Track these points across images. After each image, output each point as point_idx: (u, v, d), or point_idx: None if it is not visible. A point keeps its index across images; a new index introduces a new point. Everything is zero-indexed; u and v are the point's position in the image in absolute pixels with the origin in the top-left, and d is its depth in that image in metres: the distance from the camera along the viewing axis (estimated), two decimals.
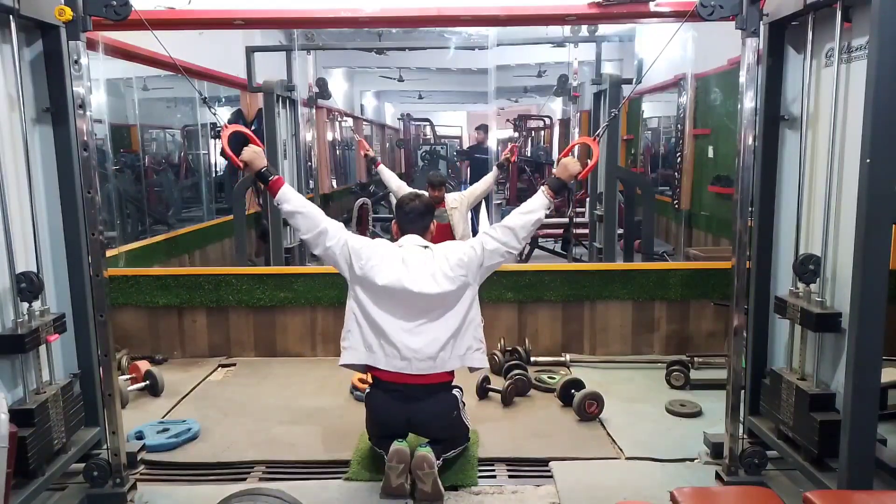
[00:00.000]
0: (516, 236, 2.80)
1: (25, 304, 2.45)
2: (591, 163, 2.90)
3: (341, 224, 2.86)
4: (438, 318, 2.76)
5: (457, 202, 5.57)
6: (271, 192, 2.79)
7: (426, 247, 2.86)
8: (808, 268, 2.48)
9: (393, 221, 3.07)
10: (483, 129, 10.86)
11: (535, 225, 2.81)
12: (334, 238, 2.78)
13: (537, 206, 2.81)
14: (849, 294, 2.23)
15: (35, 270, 2.50)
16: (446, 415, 2.83)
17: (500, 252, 2.80)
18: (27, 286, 2.43)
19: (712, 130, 6.94)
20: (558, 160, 2.91)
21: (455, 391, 2.91)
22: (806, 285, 2.51)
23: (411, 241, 2.89)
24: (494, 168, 5.71)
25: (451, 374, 2.87)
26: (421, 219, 2.95)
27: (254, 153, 2.78)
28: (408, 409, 2.78)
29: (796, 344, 2.62)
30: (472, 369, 2.88)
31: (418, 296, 2.72)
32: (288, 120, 6.01)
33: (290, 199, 2.77)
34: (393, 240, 2.96)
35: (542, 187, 2.85)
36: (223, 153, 2.69)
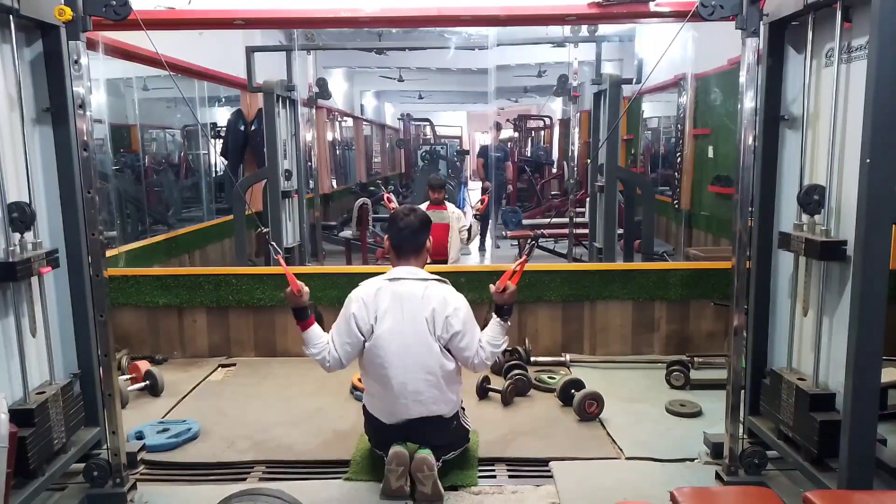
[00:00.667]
0: (484, 367, 2.85)
1: (17, 235, 2.41)
2: (516, 274, 2.85)
3: (329, 335, 2.81)
4: (431, 372, 2.72)
5: (455, 216, 5.63)
6: (301, 328, 2.80)
7: (424, 280, 2.77)
8: (812, 198, 2.44)
9: (386, 237, 2.96)
10: (497, 126, 10.90)
11: (499, 353, 2.87)
12: (344, 359, 2.79)
13: (500, 336, 2.82)
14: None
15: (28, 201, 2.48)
16: (446, 427, 2.83)
17: (465, 362, 2.80)
18: (19, 216, 2.39)
19: (712, 130, 6.94)
20: (495, 292, 2.81)
21: (458, 420, 2.90)
22: (810, 216, 2.48)
23: (406, 272, 2.79)
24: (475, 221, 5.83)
25: None
26: (415, 237, 2.82)
27: (304, 291, 2.77)
28: (407, 424, 2.77)
29: (801, 277, 2.57)
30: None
31: (408, 338, 2.70)
32: (288, 120, 6.01)
33: (314, 343, 2.79)
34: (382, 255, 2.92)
35: (497, 319, 2.81)
36: (291, 282, 2.79)
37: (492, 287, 2.81)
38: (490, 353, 2.81)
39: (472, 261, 8.40)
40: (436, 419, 2.78)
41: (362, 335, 2.74)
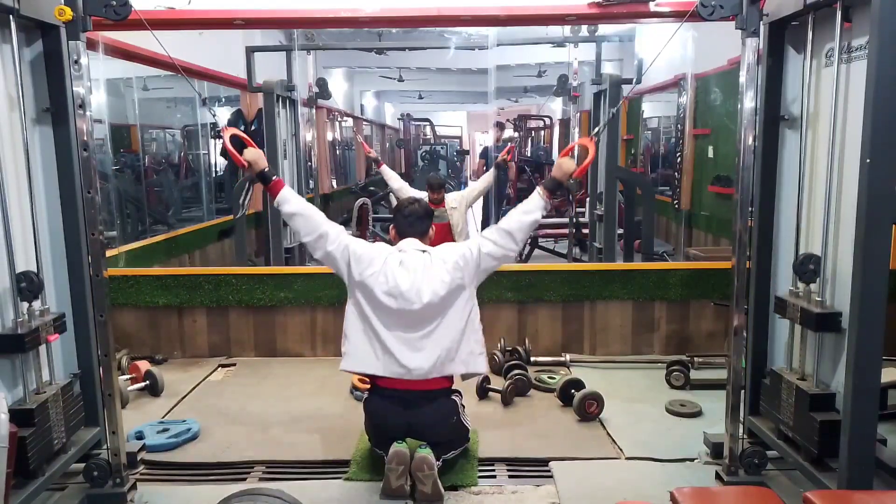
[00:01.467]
0: (513, 238, 2.80)
1: (25, 304, 2.45)
2: (585, 161, 2.91)
3: (341, 227, 2.86)
4: (438, 327, 2.74)
5: (456, 202, 5.59)
6: (271, 193, 2.80)
7: (424, 251, 2.84)
8: (808, 267, 2.48)
9: (391, 226, 3.04)
10: (500, 126, 10.87)
11: (532, 226, 2.83)
12: (335, 242, 2.78)
13: (534, 207, 2.81)
14: (849, 293, 2.23)
15: (35, 270, 2.50)
16: (446, 420, 2.83)
17: (497, 255, 2.80)
18: (27, 286, 2.43)
19: (712, 130, 6.95)
20: (559, 157, 2.91)
21: (454, 396, 2.89)
22: (806, 285, 2.51)
23: (410, 245, 2.86)
24: (493, 168, 5.76)
25: (451, 379, 2.87)
26: (420, 223, 2.93)
27: (257, 153, 2.80)
28: (407, 414, 2.77)
29: (796, 344, 2.61)
30: (474, 374, 2.90)
31: (418, 304, 2.70)
32: (288, 120, 6.02)
33: (291, 200, 2.79)
34: (391, 244, 2.95)
35: (538, 188, 2.85)
36: (225, 152, 2.73)
37: (558, 156, 2.86)
38: (518, 223, 2.79)
39: None
40: (435, 399, 2.77)
41: (360, 273, 2.74)
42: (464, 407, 2.96)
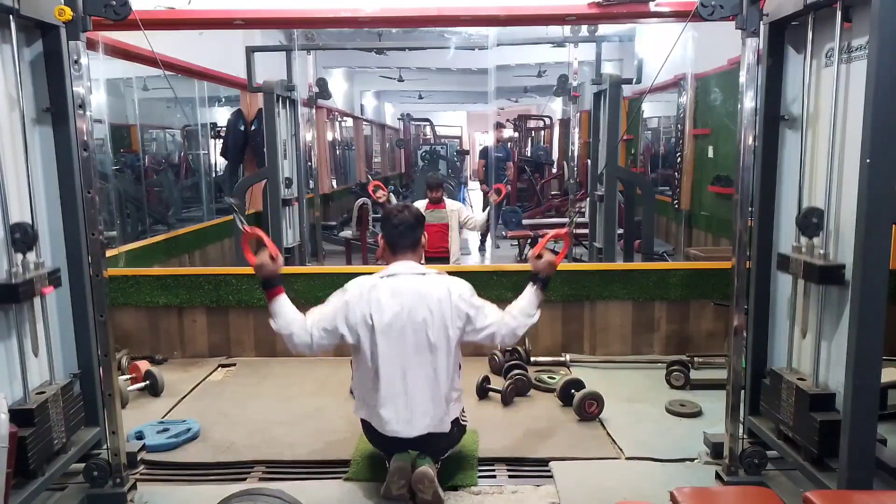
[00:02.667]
0: (514, 335, 2.76)
1: (20, 256, 2.41)
2: (562, 252, 2.95)
3: (317, 316, 2.69)
4: (430, 374, 2.63)
5: (455, 208, 5.62)
6: (268, 298, 2.68)
7: (422, 273, 2.72)
8: (811, 221, 2.44)
9: (379, 236, 2.88)
10: (499, 126, 10.87)
11: (531, 326, 2.80)
12: (320, 340, 2.66)
13: (532, 306, 2.77)
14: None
15: (30, 222, 2.47)
16: (448, 438, 2.78)
17: (501, 336, 2.73)
18: (21, 237, 2.39)
19: (712, 130, 6.95)
20: (531, 257, 2.86)
21: (454, 426, 2.80)
22: (809, 239, 2.47)
23: (404, 268, 2.72)
24: (490, 208, 5.83)
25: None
26: (411, 232, 2.75)
27: (267, 260, 2.65)
28: (407, 443, 2.69)
29: (799, 301, 2.58)
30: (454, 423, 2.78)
31: (406, 334, 2.61)
32: (288, 120, 6.02)
33: (282, 315, 2.66)
34: (377, 260, 2.84)
35: (533, 287, 2.79)
36: (243, 252, 2.74)
37: (529, 253, 2.79)
38: (522, 322, 2.74)
39: (473, 261, 8.41)
40: (435, 435, 2.70)
41: (348, 327, 2.63)
42: (463, 409, 2.88)
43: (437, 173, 10.45)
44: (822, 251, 2.42)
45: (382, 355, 2.62)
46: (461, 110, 21.86)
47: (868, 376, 2.19)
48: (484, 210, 6.09)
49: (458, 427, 2.85)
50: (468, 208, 5.83)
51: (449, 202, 5.67)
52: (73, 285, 2.71)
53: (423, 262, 2.88)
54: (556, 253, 2.92)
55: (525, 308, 2.77)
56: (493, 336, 2.72)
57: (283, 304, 2.68)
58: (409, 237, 2.75)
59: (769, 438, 2.70)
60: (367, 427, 2.79)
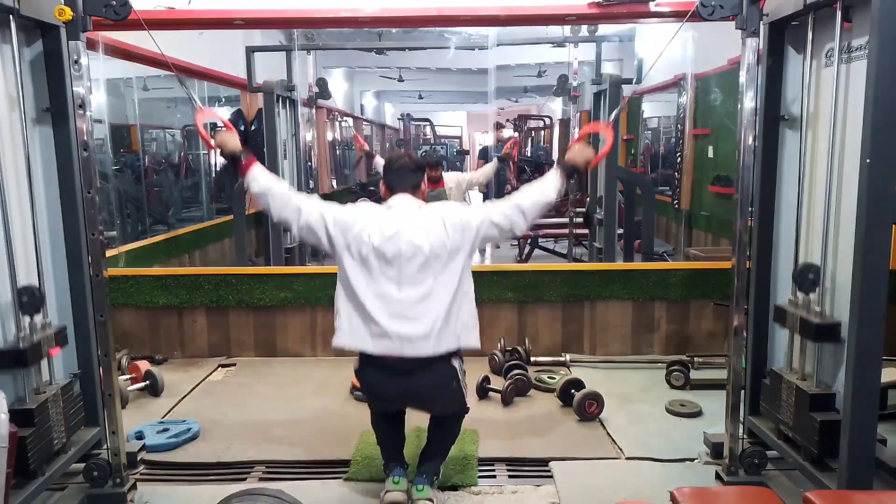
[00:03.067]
0: (525, 217, 2.61)
1: (27, 318, 2.45)
2: (604, 149, 2.82)
3: (316, 196, 2.67)
4: (431, 292, 2.52)
5: (453, 182, 5.58)
6: (241, 173, 2.60)
7: (419, 207, 2.65)
8: (807, 277, 2.48)
9: (381, 181, 2.82)
10: (499, 126, 10.85)
11: (545, 208, 2.64)
12: (309, 212, 2.57)
13: (549, 187, 2.63)
14: (848, 303, 2.22)
15: (36, 273, 2.51)
16: (445, 386, 2.61)
17: (504, 227, 2.62)
18: (29, 299, 2.43)
19: (712, 130, 6.95)
20: (570, 146, 2.77)
21: (454, 361, 2.64)
22: (805, 294, 2.51)
23: (402, 200, 2.65)
24: (495, 160, 5.73)
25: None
26: (412, 176, 2.71)
27: (225, 136, 2.60)
28: (402, 383, 2.58)
29: (796, 350, 2.61)
30: (467, 349, 2.66)
31: (408, 250, 2.50)
32: (288, 120, 6.02)
33: (258, 179, 2.58)
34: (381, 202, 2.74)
35: (555, 170, 2.67)
36: (197, 133, 2.61)
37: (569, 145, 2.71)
38: (529, 197, 2.61)
39: (472, 261, 8.40)
40: (432, 364, 2.55)
41: (344, 235, 2.54)
42: (465, 372, 2.71)
43: (435, 152, 10.34)
44: (818, 308, 2.46)
45: (378, 276, 2.53)
46: (461, 110, 21.85)
47: (868, 376, 2.19)
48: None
49: (459, 393, 2.67)
50: (467, 172, 5.79)
51: (446, 177, 5.63)
52: (72, 286, 2.71)
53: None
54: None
55: (538, 186, 2.65)
56: (492, 220, 2.60)
57: (264, 171, 2.62)
58: (409, 180, 2.70)
59: (769, 438, 2.70)
60: (361, 364, 2.65)
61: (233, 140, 2.61)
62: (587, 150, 2.70)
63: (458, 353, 2.66)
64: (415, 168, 2.75)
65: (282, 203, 2.58)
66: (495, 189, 8.81)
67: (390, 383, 2.60)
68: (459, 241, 2.57)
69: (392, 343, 2.52)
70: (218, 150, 2.64)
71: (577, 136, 2.82)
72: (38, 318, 2.49)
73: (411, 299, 2.52)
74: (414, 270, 2.52)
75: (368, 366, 2.63)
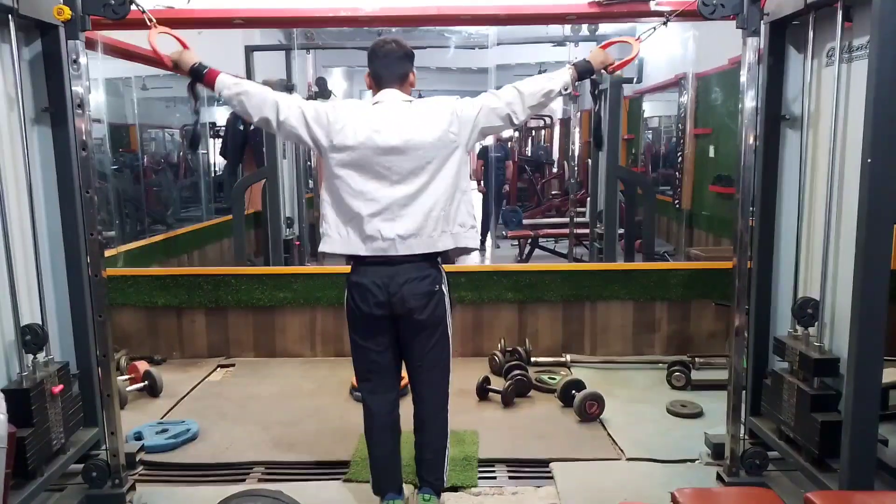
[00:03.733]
0: (523, 102, 2.44)
1: (30, 356, 2.46)
2: (628, 58, 2.64)
3: (296, 95, 2.59)
4: (423, 188, 2.39)
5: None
6: (209, 85, 2.43)
7: (409, 101, 2.48)
8: (806, 311, 2.50)
9: (366, 73, 2.61)
10: None
11: (546, 96, 2.47)
12: (287, 110, 2.41)
13: (556, 76, 2.48)
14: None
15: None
16: (426, 286, 2.43)
17: (501, 114, 2.44)
18: (32, 339, 2.44)
19: (713, 130, 6.94)
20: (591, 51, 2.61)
21: (441, 268, 2.51)
22: (804, 328, 2.53)
23: (390, 95, 2.47)
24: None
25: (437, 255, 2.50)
26: (399, 64, 2.49)
27: (181, 51, 2.46)
28: (388, 286, 2.39)
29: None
30: (465, 250, 2.53)
31: (397, 149, 2.36)
32: None
33: (227, 82, 2.42)
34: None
35: (568, 65, 2.52)
36: (153, 52, 2.47)
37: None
38: (533, 84, 2.46)
39: (472, 261, 8.40)
40: (414, 262, 2.41)
41: (325, 131, 2.40)
42: (452, 302, 2.55)
43: None
44: (817, 343, 2.47)
45: (366, 175, 2.40)
46: None
47: (869, 377, 2.18)
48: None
49: (440, 295, 2.48)
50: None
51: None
52: (71, 286, 2.70)
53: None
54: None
55: (544, 75, 2.50)
56: (502, 105, 2.43)
57: (231, 76, 2.47)
58: (395, 69, 2.50)
59: (770, 439, 2.70)
60: (351, 271, 2.50)
61: (189, 55, 2.46)
62: (607, 54, 2.56)
63: (442, 270, 2.51)
64: (402, 56, 2.51)
65: (259, 100, 2.42)
66: (495, 192, 8.79)
67: (373, 286, 2.42)
68: (454, 134, 2.41)
69: (383, 243, 2.39)
70: (176, 68, 2.47)
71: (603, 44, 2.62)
72: (41, 356, 2.51)
73: (403, 197, 2.38)
74: (406, 167, 2.38)
75: (357, 273, 2.47)
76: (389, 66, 2.50)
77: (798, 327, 2.57)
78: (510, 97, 2.45)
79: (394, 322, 2.47)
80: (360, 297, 2.45)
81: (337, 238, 2.46)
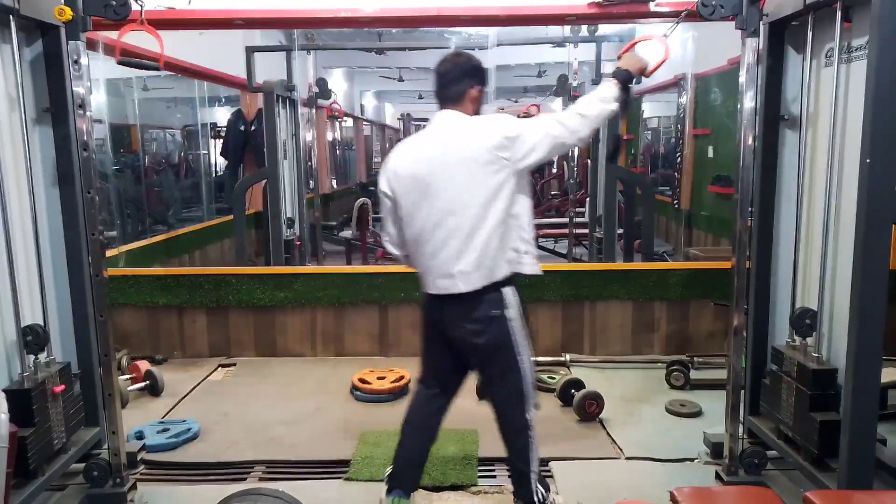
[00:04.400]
0: (587, 127, 2.32)
1: (31, 357, 2.47)
2: (660, 60, 2.55)
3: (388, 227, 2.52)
4: (467, 224, 2.26)
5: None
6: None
7: (459, 123, 2.35)
8: (804, 322, 2.51)
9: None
10: None
11: (608, 117, 2.38)
12: (396, 238, 2.47)
13: (607, 95, 2.34)
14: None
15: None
16: (481, 320, 2.32)
17: (561, 142, 2.31)
18: (33, 339, 2.45)
19: (712, 130, 6.95)
20: (619, 56, 2.51)
21: (506, 289, 2.34)
22: (802, 339, 2.53)
23: (443, 117, 2.39)
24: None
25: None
26: (454, 84, 2.37)
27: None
28: (441, 321, 2.37)
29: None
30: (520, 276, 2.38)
31: (439, 180, 2.26)
32: (288, 120, 6.02)
33: None
34: None
35: (610, 79, 2.38)
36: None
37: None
38: (589, 106, 2.31)
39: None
40: (463, 299, 2.30)
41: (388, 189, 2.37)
42: (525, 314, 2.41)
43: None
44: (815, 354, 2.48)
45: (411, 212, 2.34)
46: None
47: (868, 376, 2.19)
48: None
49: (503, 318, 2.37)
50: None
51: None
52: (72, 285, 2.71)
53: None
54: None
55: (596, 94, 2.36)
56: (568, 136, 2.30)
57: None
58: (451, 88, 2.39)
59: (769, 438, 2.70)
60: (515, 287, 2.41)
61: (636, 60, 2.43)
62: (640, 59, 2.44)
63: (510, 283, 2.36)
64: (458, 74, 2.39)
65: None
66: None
67: (436, 324, 2.42)
68: (506, 162, 2.26)
69: (444, 282, 2.33)
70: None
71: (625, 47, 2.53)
72: (42, 356, 2.51)
73: (446, 232, 2.29)
74: (444, 199, 2.28)
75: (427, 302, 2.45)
76: (445, 85, 2.41)
77: (796, 337, 2.58)
78: (576, 126, 2.30)
79: None
80: (424, 328, 2.51)
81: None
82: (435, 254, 2.32)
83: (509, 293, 2.36)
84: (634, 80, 2.43)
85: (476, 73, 2.42)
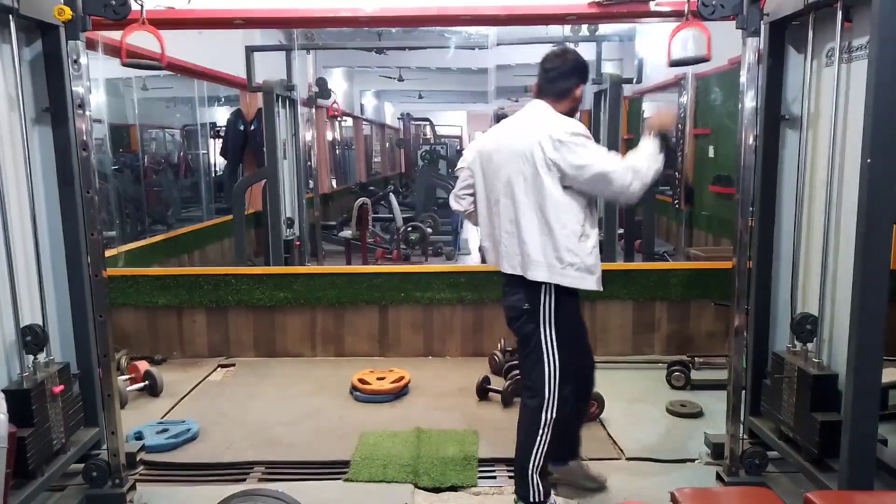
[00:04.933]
0: (642, 183, 2.36)
1: (30, 357, 2.47)
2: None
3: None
4: (518, 213, 2.37)
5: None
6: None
7: (537, 114, 2.44)
8: (804, 327, 2.51)
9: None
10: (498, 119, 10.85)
11: (656, 177, 2.42)
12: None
13: (654, 153, 2.41)
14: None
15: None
16: (516, 308, 2.46)
17: (611, 178, 2.31)
18: (32, 339, 2.45)
19: (713, 130, 6.94)
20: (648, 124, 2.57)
21: (542, 291, 2.39)
22: (803, 344, 2.53)
23: (532, 106, 2.50)
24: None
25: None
26: (561, 80, 2.46)
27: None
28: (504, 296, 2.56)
29: None
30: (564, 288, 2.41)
31: (503, 169, 2.39)
32: (287, 120, 6.02)
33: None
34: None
35: (649, 137, 2.45)
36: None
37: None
38: (642, 162, 2.34)
39: (473, 261, 8.40)
40: (517, 283, 2.42)
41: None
42: (554, 309, 2.41)
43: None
44: (816, 360, 2.49)
45: (479, 192, 2.57)
46: (461, 110, 21.86)
47: (868, 377, 2.18)
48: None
49: (531, 312, 2.42)
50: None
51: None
52: (72, 286, 2.70)
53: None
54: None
55: (644, 152, 2.40)
56: (600, 176, 2.31)
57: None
58: (557, 84, 2.48)
59: (770, 439, 2.70)
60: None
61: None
62: (661, 114, 2.60)
63: (553, 285, 2.39)
64: (566, 73, 2.47)
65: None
66: None
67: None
68: (556, 170, 2.32)
69: (490, 255, 2.57)
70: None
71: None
72: (41, 356, 2.51)
73: (500, 210, 2.45)
74: (502, 181, 2.42)
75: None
76: (551, 80, 2.51)
77: (797, 342, 2.57)
78: (631, 180, 2.33)
79: None
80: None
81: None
82: (493, 227, 2.52)
83: (544, 296, 2.41)
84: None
85: (583, 72, 2.51)
